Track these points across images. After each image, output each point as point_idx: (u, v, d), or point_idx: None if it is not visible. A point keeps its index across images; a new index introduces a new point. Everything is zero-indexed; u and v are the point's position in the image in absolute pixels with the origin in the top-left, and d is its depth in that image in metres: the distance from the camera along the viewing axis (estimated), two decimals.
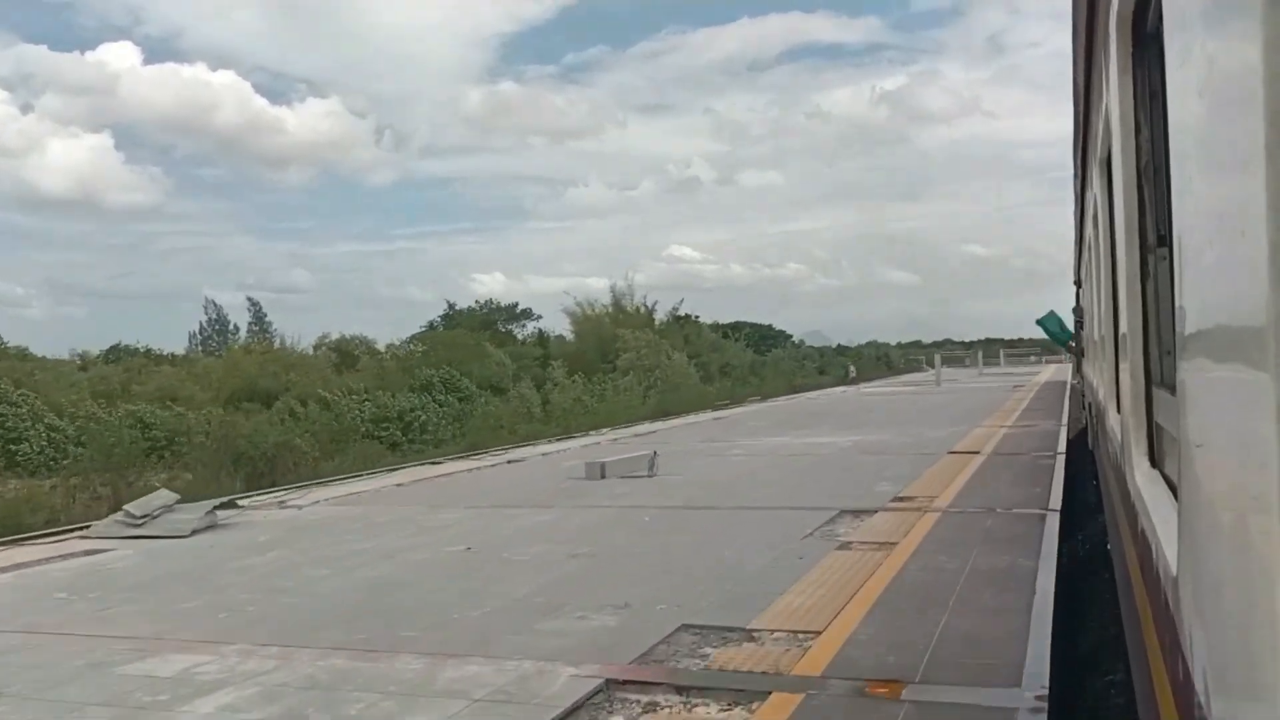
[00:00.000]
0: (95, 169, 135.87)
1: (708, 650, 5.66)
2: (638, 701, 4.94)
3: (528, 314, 68.12)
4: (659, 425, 26.44)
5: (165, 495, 11.83)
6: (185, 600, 7.62)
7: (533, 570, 8.15)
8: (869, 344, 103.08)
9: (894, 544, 8.44)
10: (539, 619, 6.51)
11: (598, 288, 61.86)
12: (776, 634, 5.92)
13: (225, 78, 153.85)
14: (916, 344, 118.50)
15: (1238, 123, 1.12)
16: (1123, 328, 4.76)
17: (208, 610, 7.25)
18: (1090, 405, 16.66)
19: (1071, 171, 13.63)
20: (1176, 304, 1.79)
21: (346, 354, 49.63)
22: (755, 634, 5.95)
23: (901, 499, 10.84)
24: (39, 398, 30.88)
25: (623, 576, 7.75)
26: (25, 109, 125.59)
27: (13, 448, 28.61)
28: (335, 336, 53.53)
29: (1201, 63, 1.39)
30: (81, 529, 11.70)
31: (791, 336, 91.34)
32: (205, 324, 62.55)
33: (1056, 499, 10.40)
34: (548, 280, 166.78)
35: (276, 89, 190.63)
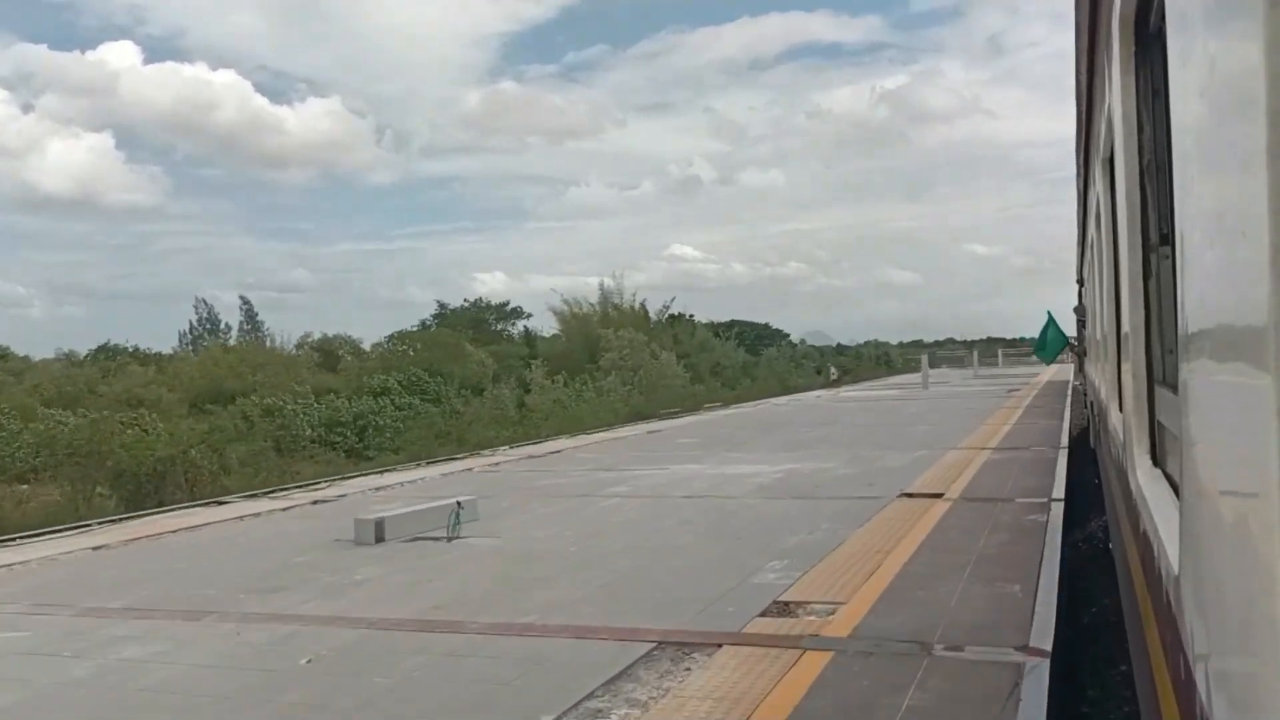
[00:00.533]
0: (95, 169, 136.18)
1: None
2: None
3: (518, 312, 67.07)
4: (600, 436, 22.94)
5: None
6: None
7: None
8: (868, 344, 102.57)
9: None
10: None
11: (596, 288, 60.48)
12: None
13: (226, 77, 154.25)
14: (918, 343, 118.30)
15: (1239, 122, 1.12)
16: (1125, 326, 4.77)
17: None
18: (1092, 404, 16.62)
19: (1073, 171, 13.63)
20: (1179, 303, 1.79)
21: (329, 353, 48.65)
22: None
23: (783, 606, 6.35)
24: None
25: None
26: (26, 109, 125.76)
27: None
28: (317, 336, 52.74)
29: (1203, 62, 1.39)
30: None
31: (788, 335, 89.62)
32: (196, 323, 61.27)
33: (1047, 625, 5.58)
34: (549, 280, 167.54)
35: (277, 88, 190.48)
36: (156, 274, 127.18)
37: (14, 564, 9.38)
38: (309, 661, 5.74)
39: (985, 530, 8.58)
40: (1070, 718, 6.35)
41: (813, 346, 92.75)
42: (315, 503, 13.08)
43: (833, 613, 6.15)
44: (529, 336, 60.11)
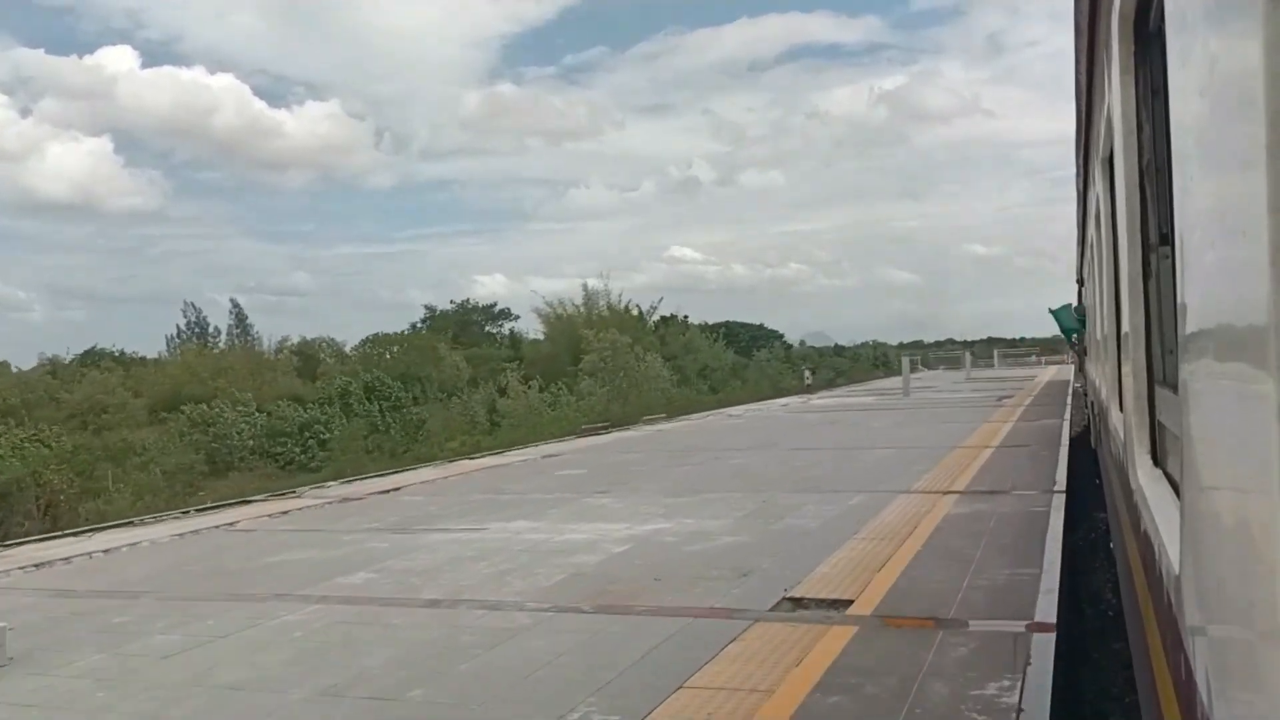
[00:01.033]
0: (95, 173, 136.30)
1: None
2: None
3: (506, 314, 66.01)
4: (494, 461, 18.57)
5: None
6: None
7: None
8: (864, 344, 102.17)
9: None
10: None
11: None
12: None
13: (224, 81, 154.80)
14: (918, 344, 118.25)
15: (1239, 122, 1.12)
16: (1125, 326, 4.77)
17: None
18: (1093, 404, 16.57)
19: (1073, 170, 13.62)
20: (1179, 302, 1.79)
21: (309, 357, 47.61)
22: None
23: None
24: None
25: None
26: (24, 113, 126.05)
27: None
28: (295, 340, 51.68)
29: (1203, 62, 1.39)
30: None
31: (783, 336, 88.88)
32: (184, 327, 59.56)
33: None
34: (549, 282, 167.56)
35: (276, 92, 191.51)
36: (157, 277, 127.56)
37: None
38: None
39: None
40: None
41: (812, 348, 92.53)
42: None
43: None
44: (514, 339, 59.23)
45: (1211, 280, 1.43)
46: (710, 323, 73.70)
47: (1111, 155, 4.89)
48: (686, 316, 67.88)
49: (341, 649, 5.90)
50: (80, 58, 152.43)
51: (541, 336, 57.95)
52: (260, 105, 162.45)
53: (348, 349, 50.56)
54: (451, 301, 66.66)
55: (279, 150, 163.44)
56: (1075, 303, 25.38)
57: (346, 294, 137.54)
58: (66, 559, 9.70)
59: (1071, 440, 16.09)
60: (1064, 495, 10.04)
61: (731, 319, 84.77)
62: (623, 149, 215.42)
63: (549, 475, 15.39)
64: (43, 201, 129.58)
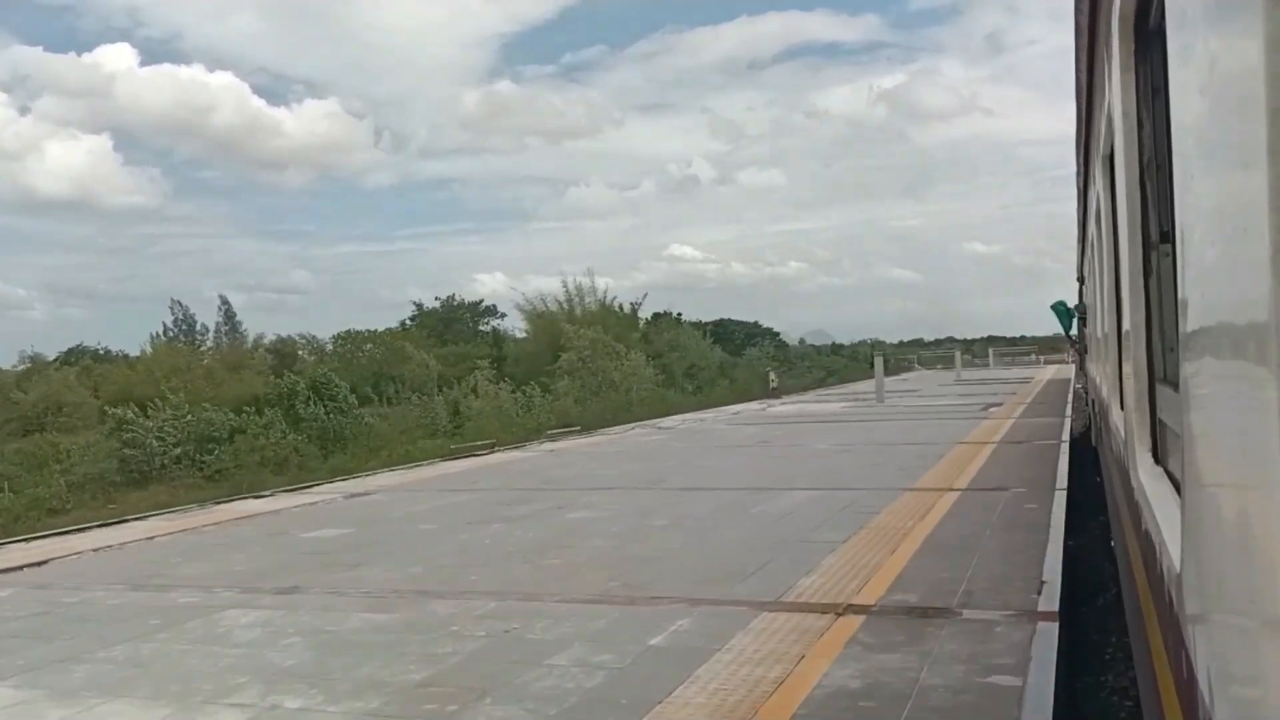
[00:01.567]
0: (94, 171, 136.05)
1: None
2: None
3: (491, 311, 65.19)
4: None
5: None
6: None
7: None
8: (860, 342, 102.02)
9: None
10: None
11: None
12: None
13: (224, 79, 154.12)
14: (919, 342, 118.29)
15: (1239, 120, 1.13)
16: (1126, 324, 4.77)
17: None
18: (1093, 402, 16.54)
19: (1073, 169, 13.63)
20: (1179, 300, 1.79)
21: (286, 355, 46.43)
22: None
23: None
24: None
25: None
26: (23, 111, 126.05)
27: None
28: (270, 338, 50.58)
29: (1203, 60, 1.39)
30: None
31: (779, 334, 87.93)
32: (170, 324, 58.19)
33: None
34: (549, 280, 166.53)
35: (275, 90, 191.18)
36: (157, 276, 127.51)
37: None
38: None
39: None
40: None
41: (811, 346, 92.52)
42: None
43: None
44: (496, 336, 58.32)
45: (1212, 278, 1.43)
46: (705, 320, 73.16)
47: (1112, 153, 4.89)
48: (680, 314, 67.20)
49: None
50: (79, 55, 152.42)
51: (525, 334, 56.83)
52: (260, 104, 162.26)
53: (329, 347, 49.31)
54: (437, 298, 65.63)
55: (279, 149, 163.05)
56: (1075, 301, 25.49)
57: (347, 292, 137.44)
58: None
59: (1072, 437, 15.63)
60: (1055, 654, 5.03)
61: (729, 317, 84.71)
62: (622, 148, 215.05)
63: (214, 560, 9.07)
64: (42, 200, 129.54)
